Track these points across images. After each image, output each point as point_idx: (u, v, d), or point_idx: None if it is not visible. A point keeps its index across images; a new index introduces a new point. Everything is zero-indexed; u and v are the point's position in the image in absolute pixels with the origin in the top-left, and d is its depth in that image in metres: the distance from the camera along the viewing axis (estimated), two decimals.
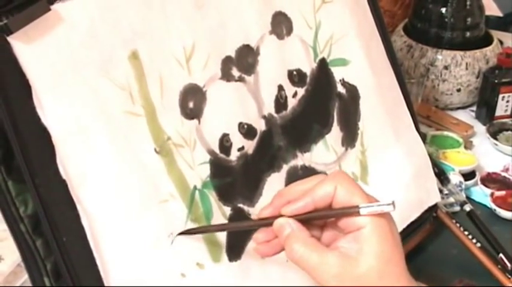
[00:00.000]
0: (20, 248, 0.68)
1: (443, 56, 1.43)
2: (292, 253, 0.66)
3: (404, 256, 0.66)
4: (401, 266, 0.65)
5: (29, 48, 0.63)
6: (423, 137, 1.16)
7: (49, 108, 0.65)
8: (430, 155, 1.06)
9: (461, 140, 1.33)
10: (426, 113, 1.42)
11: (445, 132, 1.36)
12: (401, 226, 0.97)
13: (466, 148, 1.33)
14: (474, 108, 1.48)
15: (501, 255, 1.04)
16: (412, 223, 1.01)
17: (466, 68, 1.43)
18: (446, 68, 1.43)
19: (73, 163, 0.66)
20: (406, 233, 1.00)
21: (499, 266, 1.03)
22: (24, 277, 0.93)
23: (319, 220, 0.69)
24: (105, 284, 0.68)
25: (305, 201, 0.67)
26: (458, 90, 1.44)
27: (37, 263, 0.69)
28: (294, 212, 0.67)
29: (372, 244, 0.64)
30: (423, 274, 1.01)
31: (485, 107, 1.43)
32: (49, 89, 0.65)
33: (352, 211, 0.65)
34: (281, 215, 0.68)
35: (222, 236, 0.78)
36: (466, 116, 1.47)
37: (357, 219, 0.65)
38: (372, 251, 0.64)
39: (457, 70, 1.42)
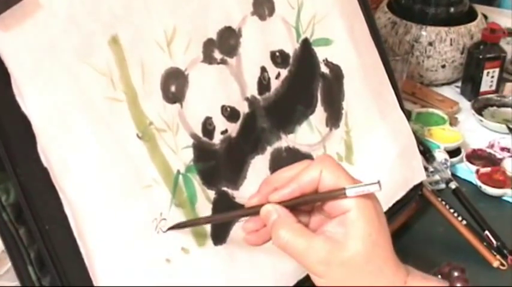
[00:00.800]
0: (3, 237, 0.68)
1: (428, 32, 1.43)
2: (278, 239, 0.66)
3: (390, 238, 0.66)
4: (388, 249, 0.65)
5: (7, 35, 0.63)
6: (408, 114, 1.16)
7: (29, 96, 0.64)
8: (415, 133, 1.06)
9: (446, 117, 1.33)
10: (411, 90, 1.43)
11: (430, 109, 1.36)
12: (386, 205, 0.97)
13: (451, 124, 1.33)
14: (459, 84, 1.48)
15: (487, 232, 1.05)
16: (398, 201, 1.01)
17: (451, 44, 1.43)
18: (430, 44, 1.43)
19: (54, 150, 0.66)
20: (392, 212, 1.00)
21: (485, 244, 1.04)
22: (9, 264, 0.93)
23: (307, 205, 0.69)
24: (90, 273, 0.68)
25: (291, 187, 0.67)
26: (443, 66, 1.45)
27: (20, 252, 0.69)
28: (281, 198, 0.67)
29: (358, 227, 0.64)
30: (409, 252, 1.00)
31: (470, 83, 1.44)
32: (28, 77, 0.64)
33: (338, 193, 0.65)
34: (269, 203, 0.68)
35: None
36: (451, 92, 1.47)
37: (342, 203, 0.65)
38: (358, 235, 0.64)
39: (441, 46, 1.43)
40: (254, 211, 0.69)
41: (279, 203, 0.67)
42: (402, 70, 1.36)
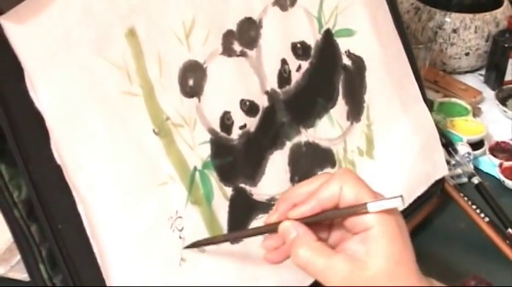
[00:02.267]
0: (14, 234, 0.67)
1: (452, 19, 1.40)
2: (297, 258, 0.65)
3: (414, 254, 0.64)
4: (412, 266, 0.64)
5: (21, 28, 0.61)
6: (430, 104, 1.15)
7: (42, 90, 0.63)
8: (437, 124, 1.05)
9: (469, 107, 1.31)
10: (433, 78, 1.40)
11: (453, 99, 1.34)
12: (407, 200, 0.96)
13: (474, 115, 1.31)
14: (483, 72, 1.46)
15: (509, 230, 1.03)
16: (419, 197, 1.00)
17: (475, 32, 1.40)
18: (454, 31, 1.40)
19: (68, 147, 0.65)
20: (413, 208, 0.99)
21: (508, 242, 1.02)
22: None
23: (326, 221, 0.68)
24: (103, 273, 0.67)
25: (311, 204, 0.65)
26: (467, 54, 1.42)
27: (32, 250, 0.68)
28: (301, 215, 0.66)
29: (380, 245, 0.62)
30: (429, 249, 1.00)
31: (494, 71, 1.41)
32: (42, 71, 0.63)
33: (359, 209, 0.63)
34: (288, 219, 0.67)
35: (223, 219, 0.77)
36: (475, 80, 1.45)
37: (364, 219, 0.63)
38: (380, 253, 0.62)
39: (466, 33, 1.40)
40: (273, 228, 0.68)
41: (299, 220, 0.66)
42: (425, 58, 1.34)
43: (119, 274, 0.68)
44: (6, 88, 0.62)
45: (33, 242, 0.67)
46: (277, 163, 0.83)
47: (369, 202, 0.63)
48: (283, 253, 0.68)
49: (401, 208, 0.64)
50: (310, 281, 0.81)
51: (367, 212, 0.63)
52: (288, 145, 0.84)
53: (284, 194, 0.70)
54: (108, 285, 0.67)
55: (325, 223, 0.68)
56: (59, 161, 0.64)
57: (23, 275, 0.94)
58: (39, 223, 0.67)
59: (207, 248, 0.75)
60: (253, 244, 0.78)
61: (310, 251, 0.64)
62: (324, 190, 0.65)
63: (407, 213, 0.95)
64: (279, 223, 0.67)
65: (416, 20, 1.42)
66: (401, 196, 0.62)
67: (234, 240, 0.78)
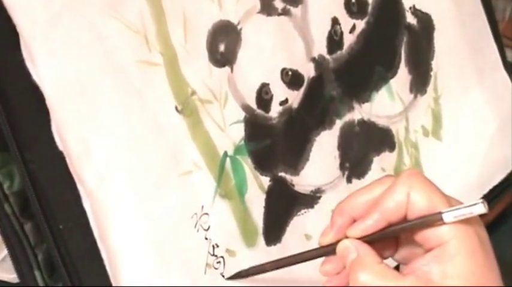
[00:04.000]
0: (4, 234, 0.67)
1: None
2: (358, 284, 0.64)
3: (498, 270, 0.63)
4: (496, 285, 0.63)
5: None
6: (510, 68, 1.13)
7: (42, 61, 0.62)
8: None
9: None
10: None
11: None
12: (482, 191, 0.96)
13: None
14: None
15: None
16: (495, 186, 0.99)
17: None
18: None
19: (73, 130, 0.64)
20: (487, 200, 0.97)
21: None
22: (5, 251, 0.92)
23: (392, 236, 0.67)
24: (113, 282, 0.67)
25: (374, 218, 0.64)
26: None
27: (26, 253, 0.67)
28: (363, 232, 0.65)
29: (458, 264, 0.61)
30: (504, 253, 0.99)
31: None
32: (42, 36, 0.62)
33: (432, 219, 0.62)
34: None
35: (258, 216, 0.77)
36: None
37: (437, 231, 0.62)
38: (459, 274, 0.61)
39: None
40: (330, 249, 0.67)
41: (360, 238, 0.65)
42: (504, 9, 1.32)
43: (131, 284, 0.68)
44: None
45: (28, 243, 0.67)
46: (325, 146, 0.82)
47: (445, 211, 0.61)
48: (346, 277, 0.67)
49: (481, 211, 0.63)
50: None
51: (442, 223, 0.61)
52: (338, 123, 0.84)
53: (340, 205, 0.68)
54: None
55: (390, 238, 0.67)
56: (61, 148, 0.63)
57: (10, 275, 0.94)
58: (35, 220, 0.66)
59: (239, 251, 0.75)
60: (295, 245, 0.78)
61: (371, 275, 0.63)
62: (388, 198, 0.64)
63: None
64: (336, 242, 0.66)
65: None
66: (483, 201, 0.61)
67: (271, 242, 0.77)
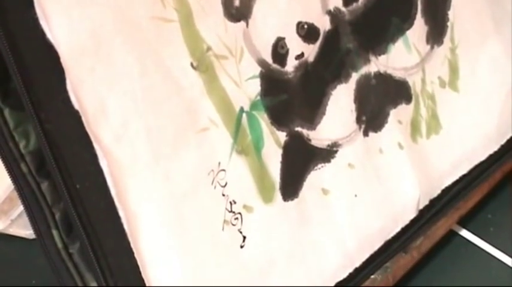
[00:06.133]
0: (21, 193, 0.66)
1: None
2: None
3: None
4: None
5: None
6: None
7: (56, 18, 0.61)
8: None
9: None
10: None
11: None
12: (499, 141, 0.94)
13: None
14: None
15: None
16: None
17: None
18: None
19: (88, 88, 0.63)
20: (503, 151, 0.97)
21: None
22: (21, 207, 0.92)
23: None
24: (130, 239, 0.67)
25: None
26: None
27: (43, 213, 0.67)
28: None
29: None
30: None
31: None
32: None
33: None
34: None
35: (275, 171, 0.77)
36: None
37: None
38: None
39: None
40: None
41: None
42: None
43: (149, 242, 0.68)
44: (11, 17, 0.60)
45: (45, 202, 0.67)
46: (341, 99, 0.81)
47: None
48: None
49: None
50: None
51: None
52: (354, 76, 0.83)
53: None
54: (136, 256, 0.67)
55: None
56: (77, 106, 0.63)
57: (26, 231, 0.94)
58: (51, 180, 0.66)
59: (256, 207, 0.75)
60: (312, 201, 0.78)
61: None
62: None
63: (497, 158, 0.93)
64: None
65: None
66: None
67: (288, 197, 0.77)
